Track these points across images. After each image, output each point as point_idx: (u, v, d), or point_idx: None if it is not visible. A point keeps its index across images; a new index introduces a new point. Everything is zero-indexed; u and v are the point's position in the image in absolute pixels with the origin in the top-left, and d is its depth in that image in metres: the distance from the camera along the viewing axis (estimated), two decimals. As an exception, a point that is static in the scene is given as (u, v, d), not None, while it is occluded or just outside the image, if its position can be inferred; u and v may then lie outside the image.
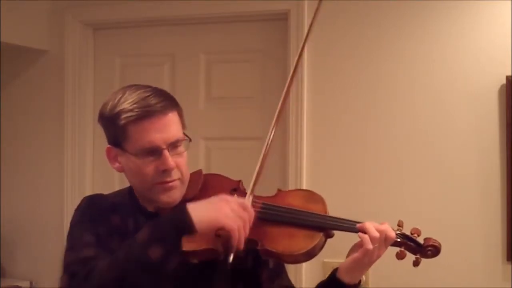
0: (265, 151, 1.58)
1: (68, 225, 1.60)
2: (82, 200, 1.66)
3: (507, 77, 2.69)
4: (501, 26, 2.71)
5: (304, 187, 2.88)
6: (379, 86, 2.86)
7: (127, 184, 1.66)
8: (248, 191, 1.53)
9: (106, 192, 1.70)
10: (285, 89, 1.67)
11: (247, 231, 1.42)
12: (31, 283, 3.30)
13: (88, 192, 3.25)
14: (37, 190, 3.34)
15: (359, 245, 1.53)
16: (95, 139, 3.34)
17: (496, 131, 2.72)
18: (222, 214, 1.39)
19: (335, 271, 1.57)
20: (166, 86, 2.80)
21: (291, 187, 2.91)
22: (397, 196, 2.81)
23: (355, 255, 1.52)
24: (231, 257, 1.41)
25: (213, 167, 3.07)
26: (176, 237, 1.37)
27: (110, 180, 3.23)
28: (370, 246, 1.49)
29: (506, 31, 2.70)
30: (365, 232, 1.52)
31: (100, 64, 3.38)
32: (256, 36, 3.14)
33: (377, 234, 1.50)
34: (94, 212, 1.60)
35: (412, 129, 2.82)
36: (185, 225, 1.38)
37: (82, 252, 1.49)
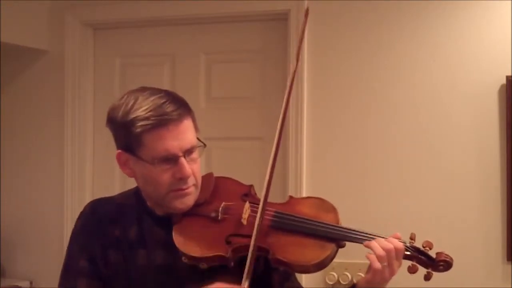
0: (274, 157, 1.49)
1: (68, 225, 1.61)
2: (86, 206, 1.65)
3: (507, 77, 2.69)
4: (501, 26, 2.71)
5: (304, 187, 2.88)
6: (379, 86, 2.86)
7: (127, 184, 1.65)
8: (261, 203, 1.47)
9: (106, 192, 1.70)
10: (286, 96, 1.53)
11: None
12: (31, 283, 3.29)
13: (88, 192, 3.25)
14: (37, 190, 3.33)
15: (370, 264, 1.48)
16: (95, 139, 3.34)
17: (496, 131, 2.72)
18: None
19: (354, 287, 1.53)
20: (166, 86, 2.78)
21: (291, 187, 2.90)
22: (396, 196, 2.81)
23: (367, 275, 1.48)
24: None
25: (213, 168, 3.05)
26: None
27: (110, 180, 3.23)
28: (377, 265, 1.45)
29: (506, 31, 2.70)
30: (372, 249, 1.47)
31: (100, 64, 3.37)
32: (256, 36, 3.14)
33: (383, 253, 1.44)
34: (94, 224, 1.59)
35: (412, 129, 2.82)
36: None
37: (75, 282, 1.55)
